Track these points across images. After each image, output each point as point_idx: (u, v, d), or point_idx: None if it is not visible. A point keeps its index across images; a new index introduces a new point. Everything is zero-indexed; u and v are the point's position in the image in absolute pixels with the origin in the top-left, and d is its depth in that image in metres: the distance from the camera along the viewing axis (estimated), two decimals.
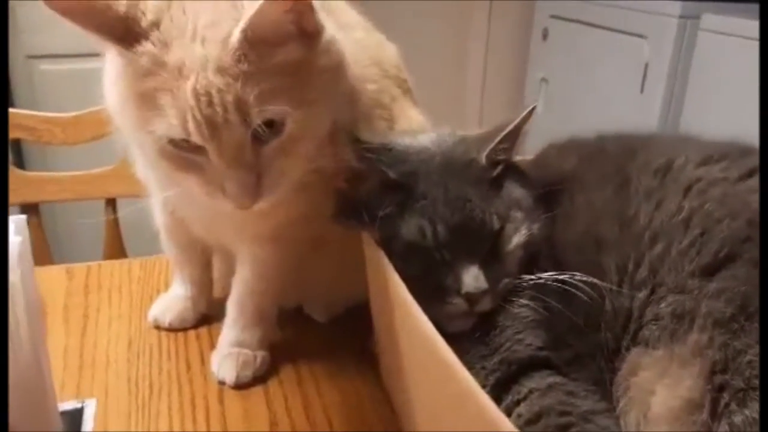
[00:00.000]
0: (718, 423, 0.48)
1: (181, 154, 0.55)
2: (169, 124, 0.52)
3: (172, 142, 0.54)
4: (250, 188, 0.55)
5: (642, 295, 0.55)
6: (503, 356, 0.56)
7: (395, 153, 0.62)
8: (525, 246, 0.60)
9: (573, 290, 0.56)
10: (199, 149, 0.54)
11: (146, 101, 0.52)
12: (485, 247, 0.59)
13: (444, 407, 0.48)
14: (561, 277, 0.56)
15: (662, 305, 0.53)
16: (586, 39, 2.36)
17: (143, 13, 0.52)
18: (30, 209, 1.18)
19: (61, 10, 0.49)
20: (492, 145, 0.61)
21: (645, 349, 0.53)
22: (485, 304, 0.58)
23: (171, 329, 0.82)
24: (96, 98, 0.61)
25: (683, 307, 0.52)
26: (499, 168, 0.62)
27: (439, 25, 2.69)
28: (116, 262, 0.98)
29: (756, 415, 0.46)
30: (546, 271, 0.58)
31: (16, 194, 1.14)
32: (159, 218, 0.81)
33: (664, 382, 0.51)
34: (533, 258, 0.60)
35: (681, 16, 1.99)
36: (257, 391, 0.73)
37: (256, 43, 0.50)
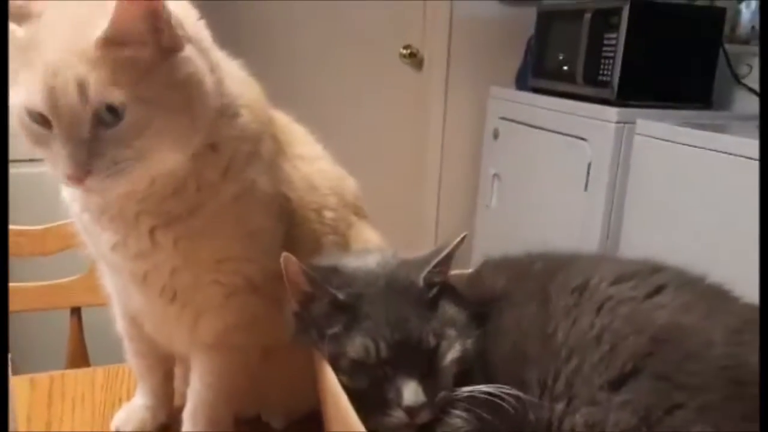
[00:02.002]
0: None
1: (36, 127, 0.61)
2: (24, 93, 0.59)
3: (30, 114, 0.60)
4: (79, 162, 0.60)
5: (560, 407, 0.61)
6: None
7: (343, 276, 0.69)
8: (459, 361, 0.66)
9: (500, 402, 0.62)
10: (48, 124, 0.60)
11: (14, 75, 0.60)
12: (423, 363, 0.65)
13: None
14: (489, 389, 0.63)
15: (577, 416, 0.60)
16: (534, 139, 2.52)
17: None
18: None
19: None
20: (428, 268, 0.68)
21: None
22: (424, 417, 0.64)
23: None
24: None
25: (594, 419, 0.59)
26: (435, 289, 0.69)
27: (398, 123, 2.84)
28: (80, 371, 1.01)
29: None
30: (478, 384, 0.64)
31: None
32: (120, 324, 0.86)
33: None
34: (467, 371, 0.67)
35: (618, 122, 2.16)
36: None
37: (111, 36, 0.58)
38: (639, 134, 2.11)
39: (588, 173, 2.27)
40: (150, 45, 0.60)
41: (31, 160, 0.67)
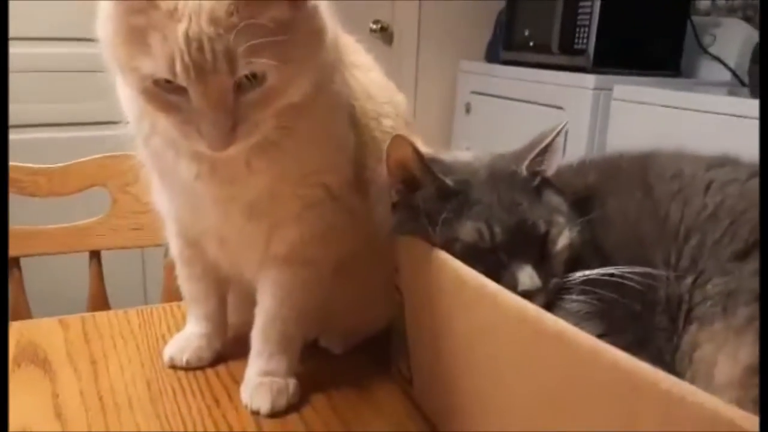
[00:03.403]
0: None
1: (162, 93, 0.57)
2: (155, 63, 0.54)
3: (156, 81, 0.56)
4: (226, 132, 0.57)
5: (689, 280, 0.60)
6: None
7: (444, 165, 0.66)
8: (569, 247, 0.65)
9: (624, 281, 0.60)
10: (180, 91, 0.56)
11: (135, 38, 0.54)
12: (536, 248, 0.63)
13: (559, 379, 0.48)
14: (610, 270, 0.61)
15: (708, 287, 0.59)
16: (508, 111, 2.53)
17: None
18: (12, 263, 1.11)
19: None
20: (531, 157, 0.67)
21: (701, 326, 0.58)
22: (539, 302, 0.61)
23: (188, 368, 0.79)
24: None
25: (729, 287, 0.58)
26: (538, 179, 0.67)
27: None
28: (111, 313, 0.94)
29: None
30: (593, 269, 0.63)
31: None
32: (174, 248, 0.81)
33: (724, 352, 0.56)
34: (577, 258, 0.65)
35: (595, 88, 2.20)
36: (293, 419, 0.71)
37: (249, 1, 0.54)
38: (616, 99, 2.16)
39: (565, 142, 2.30)
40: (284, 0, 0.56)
41: None
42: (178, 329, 0.85)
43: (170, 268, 0.97)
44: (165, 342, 0.83)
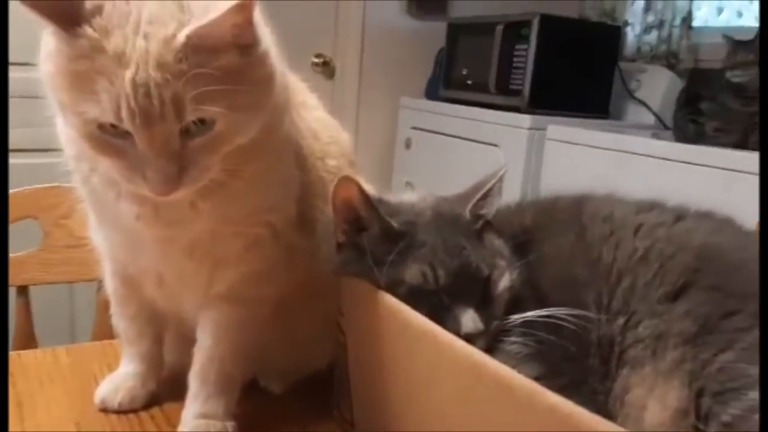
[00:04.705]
0: (705, 424, 0.56)
1: (107, 137, 0.56)
2: (101, 108, 0.53)
3: (101, 125, 0.55)
4: (172, 177, 0.56)
5: (620, 321, 0.63)
6: None
7: (390, 206, 0.67)
8: (510, 290, 0.66)
9: (560, 322, 0.62)
10: (126, 135, 0.55)
11: (80, 82, 0.53)
12: (479, 291, 0.64)
13: (500, 423, 0.49)
14: (548, 311, 0.63)
15: (640, 329, 0.62)
16: (447, 147, 2.59)
17: None
18: None
19: None
20: (474, 201, 0.68)
21: (632, 369, 0.61)
22: (480, 345, 0.63)
23: (121, 410, 0.76)
24: None
25: (658, 329, 0.61)
26: (480, 222, 0.69)
27: None
28: (38, 351, 0.90)
29: (739, 412, 0.55)
30: (532, 311, 0.65)
31: None
32: (110, 285, 0.79)
33: (654, 396, 0.59)
34: (516, 300, 0.67)
35: (530, 128, 2.27)
36: None
37: (199, 48, 0.54)
38: (549, 139, 2.24)
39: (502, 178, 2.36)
40: (234, 48, 0.56)
41: None
42: (111, 369, 0.82)
43: (103, 305, 0.94)
44: (96, 382, 0.80)
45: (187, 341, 0.75)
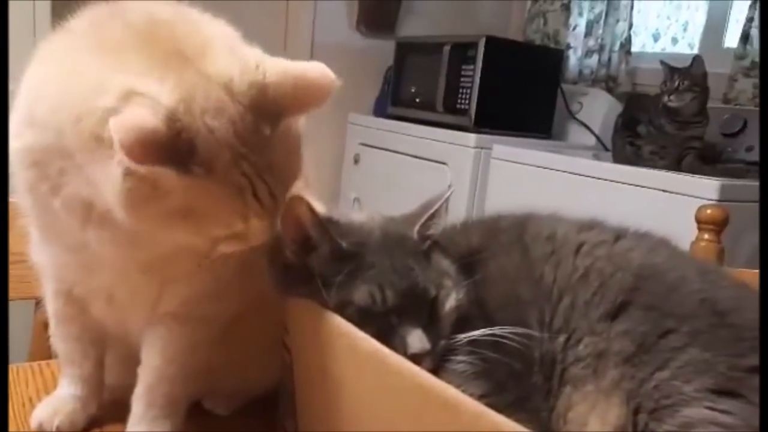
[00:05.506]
0: None
1: None
2: None
3: None
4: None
5: (561, 339, 0.65)
6: None
7: (339, 227, 0.67)
8: (456, 309, 0.67)
9: (505, 341, 0.64)
10: None
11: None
12: (426, 311, 0.65)
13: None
14: (492, 330, 0.64)
15: (580, 347, 0.64)
16: (394, 163, 2.61)
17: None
18: None
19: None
20: (421, 222, 0.69)
21: (574, 387, 0.62)
22: (427, 364, 0.63)
23: None
24: None
25: (598, 348, 0.63)
26: (428, 242, 0.70)
27: None
28: None
29: (674, 428, 0.57)
30: (478, 330, 0.66)
31: None
32: (52, 305, 0.76)
33: (595, 413, 0.60)
34: (463, 320, 0.68)
35: (476, 146, 2.32)
36: None
37: None
38: (495, 158, 2.29)
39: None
40: None
41: None
42: (48, 391, 0.79)
43: (40, 325, 0.91)
44: (33, 405, 0.77)
45: (132, 363, 0.74)
